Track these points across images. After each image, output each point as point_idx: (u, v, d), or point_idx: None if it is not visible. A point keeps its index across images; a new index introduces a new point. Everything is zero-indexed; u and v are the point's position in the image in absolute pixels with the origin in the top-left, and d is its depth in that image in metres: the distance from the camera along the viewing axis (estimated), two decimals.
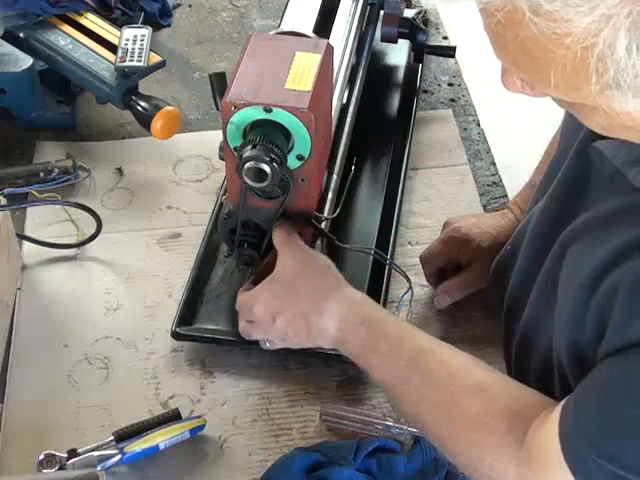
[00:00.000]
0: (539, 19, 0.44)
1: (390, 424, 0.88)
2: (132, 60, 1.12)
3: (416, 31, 1.23)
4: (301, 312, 0.83)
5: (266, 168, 0.76)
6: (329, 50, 0.85)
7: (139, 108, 1.11)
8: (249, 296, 0.86)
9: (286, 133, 0.78)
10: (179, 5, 1.49)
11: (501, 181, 1.18)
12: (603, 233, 0.65)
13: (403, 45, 1.30)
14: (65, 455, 0.84)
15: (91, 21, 1.22)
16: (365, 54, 1.18)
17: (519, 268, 0.83)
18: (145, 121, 1.10)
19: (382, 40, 1.26)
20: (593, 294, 0.64)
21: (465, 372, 0.76)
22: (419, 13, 1.31)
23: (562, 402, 0.66)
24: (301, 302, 0.83)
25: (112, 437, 0.85)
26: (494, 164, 1.20)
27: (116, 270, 1.04)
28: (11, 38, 1.18)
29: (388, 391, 0.82)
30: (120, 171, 1.17)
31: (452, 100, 1.31)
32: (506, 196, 1.15)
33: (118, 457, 0.84)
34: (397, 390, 0.79)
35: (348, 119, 1.06)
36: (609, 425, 0.61)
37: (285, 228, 0.88)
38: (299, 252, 0.86)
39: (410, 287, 0.97)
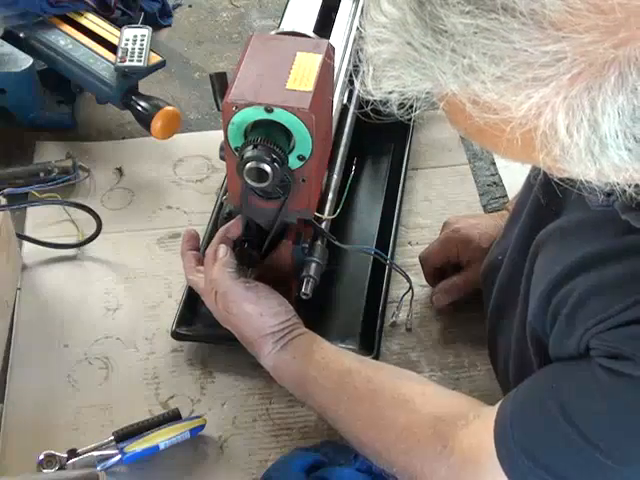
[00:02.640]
0: (479, 109, 0.43)
1: None
2: (132, 60, 1.12)
3: None
4: (245, 336, 0.87)
5: (267, 168, 0.76)
6: (330, 50, 0.85)
7: (139, 108, 1.11)
8: (216, 280, 0.86)
9: (287, 133, 0.78)
10: (179, 5, 1.49)
11: (501, 181, 1.18)
12: (565, 244, 0.67)
13: None
14: (65, 455, 0.84)
15: (91, 21, 1.22)
16: None
17: (504, 270, 0.84)
18: (145, 121, 1.10)
19: None
20: (549, 304, 0.66)
21: (389, 386, 0.79)
22: None
23: (498, 403, 0.68)
24: (244, 330, 0.87)
25: (112, 437, 0.85)
26: (494, 164, 1.20)
27: (116, 270, 1.04)
28: (11, 38, 1.18)
29: (325, 415, 0.84)
30: (120, 171, 1.17)
31: None
32: (506, 196, 1.15)
33: (118, 457, 0.84)
34: (331, 412, 0.82)
35: (348, 119, 1.06)
36: (540, 435, 0.63)
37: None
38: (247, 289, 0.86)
39: (410, 287, 0.97)
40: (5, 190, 1.05)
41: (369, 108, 0.51)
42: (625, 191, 0.45)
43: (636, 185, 0.45)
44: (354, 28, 1.16)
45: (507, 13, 0.37)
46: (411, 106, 0.48)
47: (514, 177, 1.11)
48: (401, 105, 0.47)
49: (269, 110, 0.76)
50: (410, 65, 0.43)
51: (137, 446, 0.84)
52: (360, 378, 0.80)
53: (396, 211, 1.08)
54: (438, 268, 1.00)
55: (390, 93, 0.46)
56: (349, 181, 1.00)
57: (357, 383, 0.80)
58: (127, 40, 1.15)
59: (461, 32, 0.39)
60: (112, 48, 1.16)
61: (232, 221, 0.91)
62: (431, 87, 0.44)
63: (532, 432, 0.64)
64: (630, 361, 0.57)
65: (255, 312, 0.85)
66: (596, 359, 0.60)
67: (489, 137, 0.45)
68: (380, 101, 0.47)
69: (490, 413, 0.68)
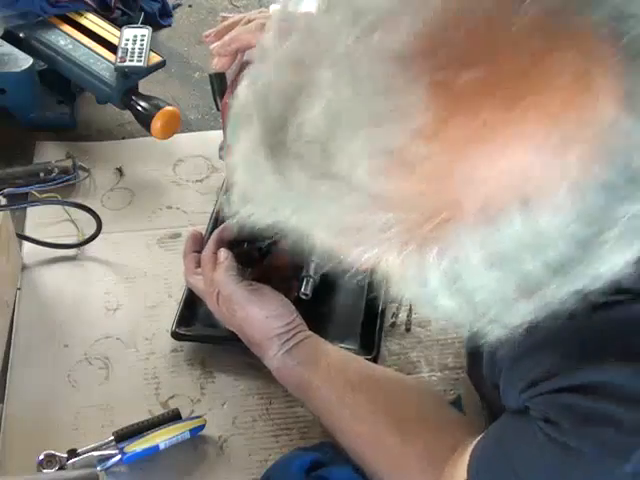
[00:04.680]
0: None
1: None
2: (132, 60, 1.12)
3: None
4: (251, 338, 0.87)
5: None
6: None
7: (139, 108, 1.11)
8: (219, 282, 0.87)
9: None
10: (179, 5, 1.49)
11: None
12: None
13: None
14: (65, 455, 0.84)
15: (91, 21, 1.22)
16: None
17: None
18: (145, 121, 1.10)
19: None
20: (494, 356, 0.66)
21: (389, 411, 0.79)
22: None
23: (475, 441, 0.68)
24: (250, 332, 0.87)
25: (112, 437, 0.85)
26: None
27: (116, 270, 1.04)
28: (11, 38, 1.18)
29: (324, 423, 0.84)
30: (120, 171, 1.17)
31: None
32: None
33: (118, 457, 0.84)
34: (331, 423, 0.83)
35: None
36: None
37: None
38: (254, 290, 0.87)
39: None
40: (5, 190, 1.05)
41: None
42: None
43: None
44: None
45: (344, 182, 0.39)
46: None
47: None
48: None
49: None
50: (262, 204, 0.45)
51: (137, 446, 0.84)
52: (362, 398, 0.81)
53: None
54: None
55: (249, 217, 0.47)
56: None
57: (359, 402, 0.80)
58: (127, 40, 1.15)
59: (304, 188, 0.41)
60: (112, 48, 1.16)
61: (226, 222, 0.91)
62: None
63: None
64: (557, 426, 0.57)
65: (260, 315, 0.85)
66: (534, 418, 0.60)
67: None
68: None
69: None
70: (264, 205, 0.45)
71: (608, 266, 0.42)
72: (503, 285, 0.42)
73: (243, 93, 0.43)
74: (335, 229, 0.42)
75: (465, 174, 0.38)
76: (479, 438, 0.68)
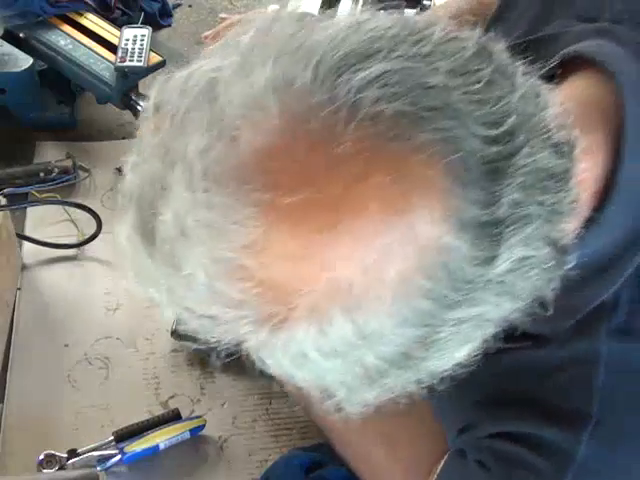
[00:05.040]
0: None
1: None
2: (132, 60, 1.12)
3: None
4: None
5: None
6: None
7: (139, 108, 1.11)
8: None
9: None
10: (179, 5, 1.49)
11: None
12: None
13: None
14: (65, 455, 0.84)
15: (91, 21, 1.22)
16: None
17: None
18: None
19: None
20: None
21: (377, 422, 0.77)
22: (419, 13, 1.31)
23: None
24: None
25: (112, 437, 0.85)
26: None
27: (116, 270, 1.04)
28: (11, 38, 1.18)
29: (319, 427, 0.84)
30: (120, 171, 1.17)
31: None
32: None
33: (118, 457, 0.84)
34: (323, 429, 0.82)
35: None
36: None
37: None
38: None
39: None
40: (5, 190, 1.05)
41: None
42: None
43: None
44: None
45: (192, 278, 0.42)
46: None
47: None
48: None
49: None
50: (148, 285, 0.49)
51: (137, 446, 0.84)
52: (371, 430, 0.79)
53: None
54: None
55: None
56: None
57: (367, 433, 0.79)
58: (127, 40, 1.15)
59: (166, 276, 0.44)
60: (112, 48, 1.16)
61: None
62: None
63: None
64: (488, 469, 0.60)
65: None
66: (470, 459, 0.63)
67: None
68: None
69: None
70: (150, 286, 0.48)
71: (442, 362, 0.46)
72: (345, 372, 0.45)
73: (127, 176, 0.46)
74: (195, 314, 0.45)
75: (293, 284, 0.41)
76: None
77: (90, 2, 1.24)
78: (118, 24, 1.23)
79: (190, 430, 0.86)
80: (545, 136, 0.44)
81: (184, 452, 0.87)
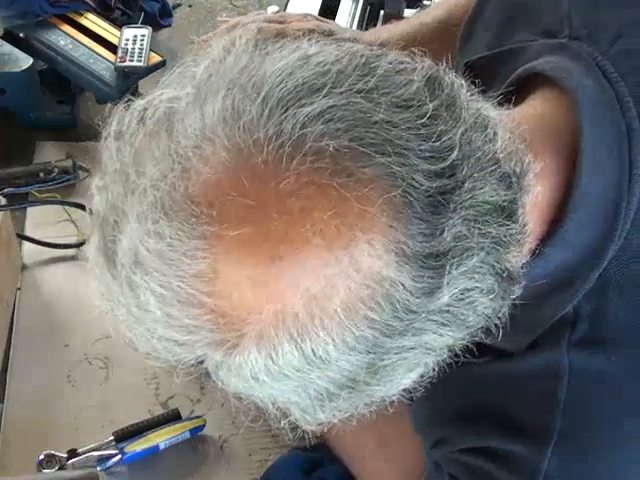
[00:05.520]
0: None
1: None
2: (132, 60, 1.12)
3: None
4: None
5: None
6: None
7: None
8: None
9: None
10: (179, 5, 1.49)
11: None
12: None
13: None
14: (65, 455, 0.84)
15: (91, 21, 1.22)
16: None
17: None
18: None
19: None
20: None
21: (371, 423, 0.79)
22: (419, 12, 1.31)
23: None
24: None
25: (112, 437, 0.85)
26: None
27: None
28: (11, 38, 1.18)
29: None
30: None
31: None
32: None
33: (118, 457, 0.84)
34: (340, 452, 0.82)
35: None
36: None
37: None
38: None
39: None
40: (5, 190, 1.05)
41: None
42: None
43: None
44: (354, 28, 1.16)
45: (148, 306, 0.44)
46: None
47: None
48: None
49: None
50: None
51: (137, 446, 0.84)
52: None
53: None
54: None
55: None
56: None
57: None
58: (127, 40, 1.15)
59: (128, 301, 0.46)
60: (112, 48, 1.16)
61: None
62: None
63: None
64: None
65: None
66: (444, 473, 0.64)
67: None
68: None
69: None
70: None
71: (389, 387, 0.47)
72: (296, 395, 0.46)
73: (95, 197, 0.49)
74: (155, 335, 0.46)
75: (241, 313, 0.42)
76: None
77: (90, 2, 1.24)
78: (118, 24, 1.23)
79: (190, 430, 0.86)
80: (491, 169, 0.45)
81: (184, 452, 0.87)
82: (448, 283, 0.43)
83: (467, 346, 0.52)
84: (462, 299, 0.45)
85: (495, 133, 0.47)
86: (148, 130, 0.45)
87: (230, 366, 0.45)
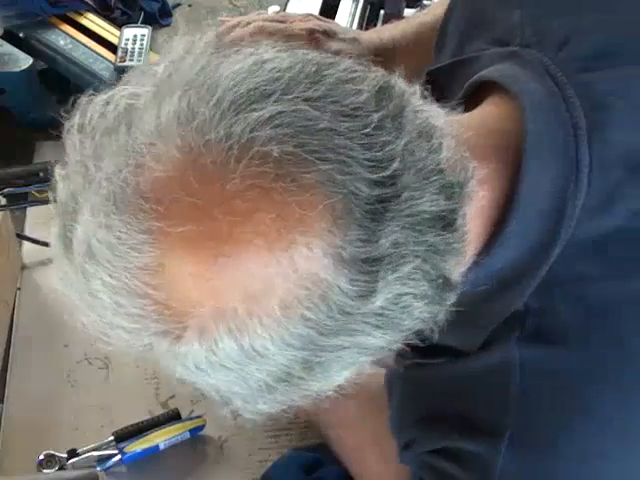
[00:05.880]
0: None
1: None
2: (132, 60, 1.12)
3: None
4: None
5: None
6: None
7: None
8: None
9: None
10: (179, 5, 1.49)
11: None
12: None
13: None
14: (65, 455, 0.84)
15: (91, 21, 1.22)
16: None
17: None
18: None
19: None
20: None
21: (371, 424, 0.79)
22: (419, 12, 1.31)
23: None
24: None
25: (112, 437, 0.85)
26: None
27: None
28: (11, 38, 1.18)
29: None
30: None
31: None
32: None
33: (118, 457, 0.84)
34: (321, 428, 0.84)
35: None
36: None
37: None
38: None
39: None
40: (5, 190, 1.05)
41: None
42: None
43: None
44: (354, 28, 1.16)
45: (99, 294, 0.46)
46: None
47: None
48: None
49: None
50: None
51: (137, 446, 0.84)
52: (350, 404, 0.79)
53: None
54: None
55: None
56: None
57: (347, 408, 0.80)
58: (127, 40, 1.15)
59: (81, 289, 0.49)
60: (112, 48, 1.16)
61: None
62: None
63: None
64: None
65: None
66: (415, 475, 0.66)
67: None
68: None
69: None
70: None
71: (325, 383, 0.49)
72: (237, 386, 0.48)
73: (58, 184, 0.49)
74: (106, 322, 0.48)
75: (184, 306, 0.44)
76: None
77: (90, 2, 1.24)
78: (118, 24, 1.23)
79: (190, 430, 0.86)
80: (433, 179, 0.47)
81: (184, 452, 0.87)
82: (382, 288, 0.45)
83: (425, 348, 0.54)
84: (397, 303, 0.46)
85: (440, 143, 0.48)
86: (109, 124, 0.46)
87: (175, 355, 0.47)
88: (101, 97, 0.49)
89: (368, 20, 1.23)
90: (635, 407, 0.54)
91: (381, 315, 0.46)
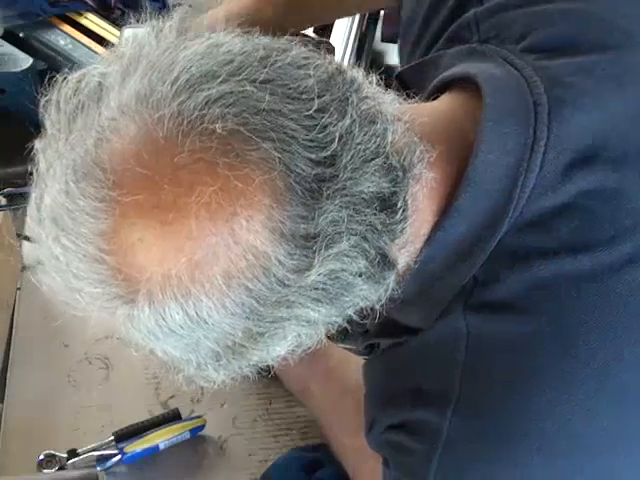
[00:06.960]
0: None
1: None
2: None
3: None
4: None
5: None
6: (330, 50, 0.85)
7: None
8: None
9: None
10: (179, 5, 1.49)
11: None
12: None
13: None
14: (65, 455, 0.84)
15: (91, 21, 1.22)
16: (365, 54, 1.18)
17: None
18: None
19: (382, 40, 1.26)
20: None
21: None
22: None
23: None
24: None
25: (112, 437, 0.85)
26: None
27: None
28: (11, 38, 1.18)
29: (318, 423, 0.87)
30: None
31: None
32: None
33: (118, 457, 0.84)
34: (322, 430, 0.86)
35: None
36: None
37: None
38: None
39: None
40: (5, 190, 1.05)
41: None
42: None
43: None
44: (354, 28, 1.16)
45: (62, 259, 0.49)
46: None
47: None
48: None
49: None
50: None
51: (137, 446, 0.84)
52: (351, 404, 0.80)
53: None
54: None
55: None
56: None
57: (347, 408, 0.81)
58: (127, 40, 1.15)
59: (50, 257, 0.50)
60: None
61: None
62: None
63: None
64: (386, 460, 0.65)
65: None
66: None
67: None
68: None
69: None
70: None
71: (268, 352, 0.52)
72: (188, 352, 0.51)
73: (39, 156, 0.54)
74: (70, 287, 0.51)
75: (134, 272, 0.47)
76: None
77: (90, 2, 1.24)
78: (118, 24, 1.23)
79: (190, 430, 0.86)
80: (374, 161, 0.49)
81: (184, 452, 0.87)
82: (318, 263, 0.48)
83: (387, 328, 0.57)
84: (334, 278, 0.49)
85: (385, 128, 0.51)
86: (80, 101, 0.50)
87: (131, 320, 0.49)
88: (75, 76, 0.52)
89: (368, 20, 1.23)
90: (577, 371, 0.54)
91: (319, 289, 0.49)
